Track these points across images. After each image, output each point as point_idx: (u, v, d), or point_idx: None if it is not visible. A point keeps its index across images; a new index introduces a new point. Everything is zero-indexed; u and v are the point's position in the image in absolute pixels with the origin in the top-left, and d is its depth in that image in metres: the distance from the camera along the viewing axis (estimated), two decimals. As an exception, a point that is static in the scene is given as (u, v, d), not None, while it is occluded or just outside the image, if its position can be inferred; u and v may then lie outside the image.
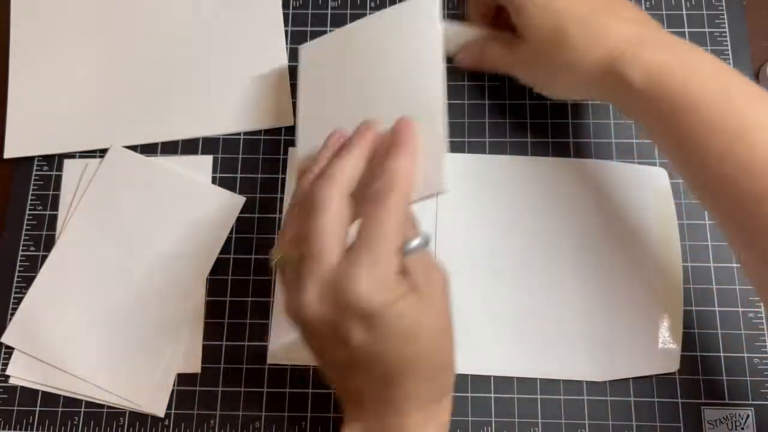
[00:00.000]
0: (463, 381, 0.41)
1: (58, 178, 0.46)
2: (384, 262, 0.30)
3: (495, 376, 0.41)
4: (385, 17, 0.41)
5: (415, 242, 0.32)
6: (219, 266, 0.44)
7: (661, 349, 0.41)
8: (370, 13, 0.48)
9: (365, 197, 0.31)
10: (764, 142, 0.31)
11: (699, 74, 0.34)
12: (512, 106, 0.46)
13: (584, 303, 0.42)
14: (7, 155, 0.46)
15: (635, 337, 0.41)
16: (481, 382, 0.41)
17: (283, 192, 0.45)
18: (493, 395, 0.41)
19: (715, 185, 0.33)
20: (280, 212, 0.45)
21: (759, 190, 0.31)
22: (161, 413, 0.41)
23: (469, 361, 0.41)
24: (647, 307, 0.42)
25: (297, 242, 0.31)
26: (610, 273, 0.42)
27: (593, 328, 0.42)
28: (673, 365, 0.41)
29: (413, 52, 0.39)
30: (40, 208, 0.46)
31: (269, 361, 0.42)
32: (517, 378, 0.41)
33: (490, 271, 0.43)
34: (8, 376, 0.43)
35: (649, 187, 0.44)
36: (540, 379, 0.41)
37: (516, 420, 0.41)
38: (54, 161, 0.47)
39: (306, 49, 0.43)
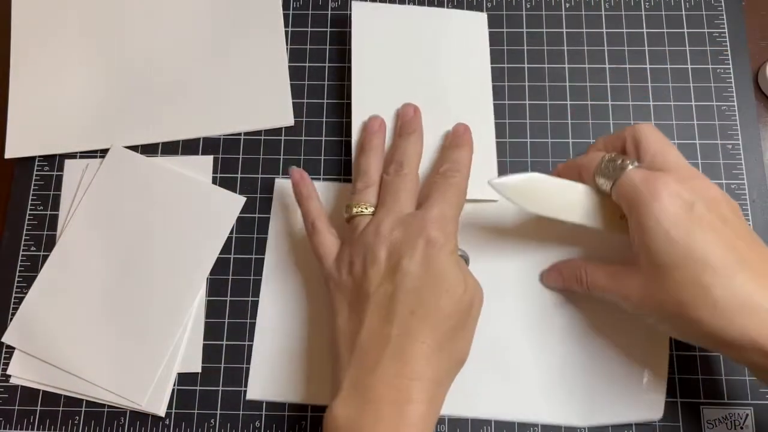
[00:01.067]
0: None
1: (59, 178, 0.46)
2: (448, 218, 0.37)
3: (472, 419, 0.41)
4: (440, 16, 0.47)
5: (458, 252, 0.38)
6: (219, 266, 0.44)
7: (644, 397, 0.40)
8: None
9: (439, 171, 0.40)
10: None
11: None
12: (511, 107, 0.46)
13: (566, 348, 0.41)
14: (8, 155, 0.47)
15: (618, 384, 0.40)
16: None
17: (283, 192, 0.45)
18: None
19: None
20: (280, 212, 0.45)
21: None
22: (161, 413, 0.42)
23: (449, 404, 0.37)
24: (631, 353, 0.40)
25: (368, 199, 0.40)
26: (594, 318, 0.41)
27: (575, 374, 0.40)
28: (656, 414, 0.40)
29: (464, 62, 0.46)
30: (41, 208, 0.46)
31: (248, 397, 0.42)
32: (496, 421, 0.41)
33: None
34: (9, 376, 0.43)
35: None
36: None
37: None
38: (55, 161, 0.47)
39: (358, 6, 0.47)
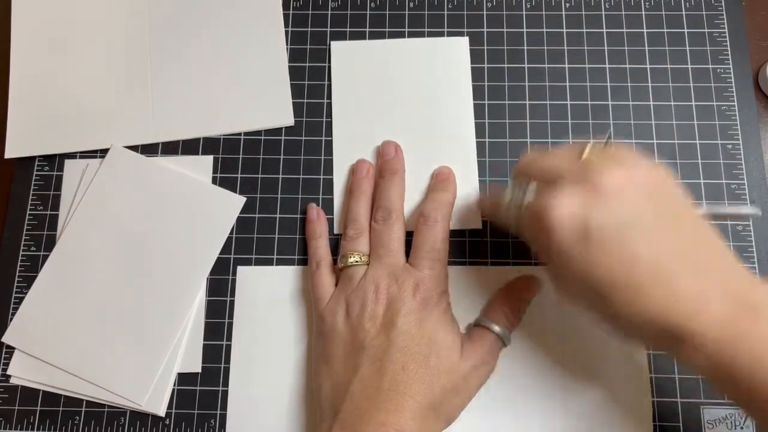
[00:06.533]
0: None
1: (59, 178, 0.46)
2: (437, 276, 0.39)
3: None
4: (420, 46, 0.47)
5: (495, 327, 0.39)
6: (219, 266, 0.44)
7: None
8: (369, 15, 0.49)
9: (420, 215, 0.41)
10: None
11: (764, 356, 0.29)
12: (511, 107, 0.46)
13: (542, 420, 0.40)
14: (8, 155, 0.47)
15: None
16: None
17: (282, 192, 0.45)
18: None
19: None
20: (281, 212, 0.45)
21: None
22: (161, 413, 0.42)
23: None
24: (614, 423, 0.40)
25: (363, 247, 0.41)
26: (572, 390, 0.40)
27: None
28: None
29: (445, 88, 0.46)
30: (41, 208, 0.46)
31: None
32: None
33: None
34: (9, 376, 0.43)
35: None
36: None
37: None
38: (55, 161, 0.47)
39: (338, 45, 0.47)
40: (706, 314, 0.29)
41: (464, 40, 0.48)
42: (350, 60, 0.47)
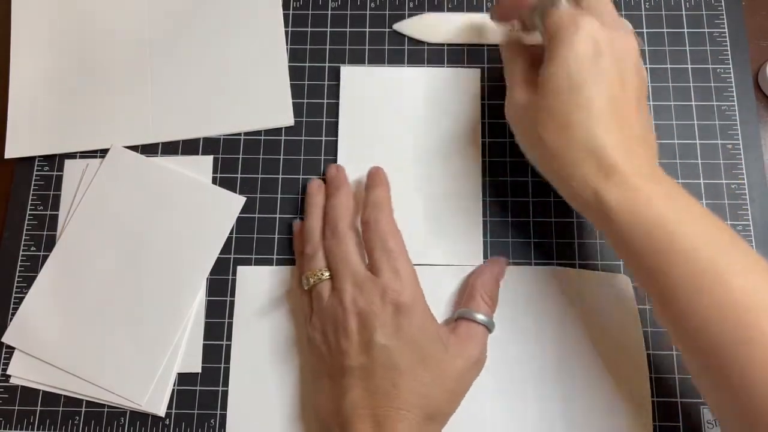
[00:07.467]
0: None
1: (59, 179, 0.46)
2: (403, 274, 0.37)
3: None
4: (431, 76, 0.47)
5: (480, 316, 0.39)
6: (219, 266, 0.44)
7: None
8: (369, 15, 0.49)
9: (362, 222, 0.39)
10: (742, 287, 0.30)
11: (681, 212, 0.33)
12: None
13: (542, 421, 0.40)
14: (8, 155, 0.47)
15: None
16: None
17: (282, 192, 0.45)
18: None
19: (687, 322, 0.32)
20: (280, 212, 0.45)
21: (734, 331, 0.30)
22: (161, 413, 0.42)
23: None
24: (614, 423, 0.40)
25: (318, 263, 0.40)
26: (572, 390, 0.41)
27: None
28: None
29: (455, 120, 0.46)
30: (41, 208, 0.46)
31: None
32: None
33: None
34: (9, 376, 0.43)
35: (612, 295, 0.42)
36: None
37: None
38: (55, 161, 0.47)
39: (347, 70, 0.47)
40: (617, 192, 0.33)
41: (475, 72, 0.47)
42: (360, 86, 0.47)
